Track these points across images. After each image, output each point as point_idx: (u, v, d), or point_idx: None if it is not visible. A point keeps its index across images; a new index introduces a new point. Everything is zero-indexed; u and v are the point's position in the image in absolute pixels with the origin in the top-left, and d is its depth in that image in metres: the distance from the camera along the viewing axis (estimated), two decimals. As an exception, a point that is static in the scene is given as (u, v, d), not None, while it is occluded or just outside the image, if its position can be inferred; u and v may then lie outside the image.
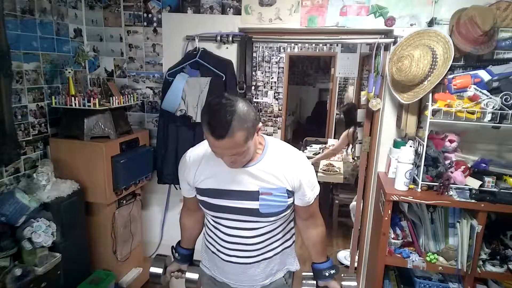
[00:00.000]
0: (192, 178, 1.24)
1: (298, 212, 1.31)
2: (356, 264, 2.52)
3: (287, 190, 1.19)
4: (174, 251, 1.48)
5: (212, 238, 1.33)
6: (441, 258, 1.81)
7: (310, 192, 1.24)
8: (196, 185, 1.25)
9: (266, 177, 1.17)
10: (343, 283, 1.35)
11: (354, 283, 1.36)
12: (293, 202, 1.24)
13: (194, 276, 1.42)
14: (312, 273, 1.39)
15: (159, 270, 1.43)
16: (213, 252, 1.34)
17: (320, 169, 3.61)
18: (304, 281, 1.38)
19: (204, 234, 1.41)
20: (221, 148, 1.04)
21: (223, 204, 1.21)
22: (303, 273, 1.42)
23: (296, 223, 1.38)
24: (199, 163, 1.23)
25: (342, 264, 3.12)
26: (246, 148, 1.07)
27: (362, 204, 2.42)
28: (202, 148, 1.24)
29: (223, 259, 1.30)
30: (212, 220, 1.30)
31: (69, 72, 2.08)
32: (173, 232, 2.59)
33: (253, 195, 1.18)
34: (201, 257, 1.44)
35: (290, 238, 1.37)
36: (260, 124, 1.12)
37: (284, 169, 1.18)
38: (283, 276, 1.38)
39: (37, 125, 2.06)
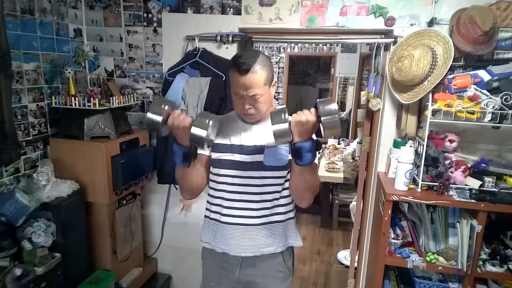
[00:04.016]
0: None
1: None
2: (356, 264, 2.52)
3: (290, 144, 1.22)
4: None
5: (216, 204, 1.36)
6: (441, 258, 1.81)
7: None
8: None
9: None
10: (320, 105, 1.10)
11: (334, 105, 1.10)
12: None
13: (201, 132, 1.16)
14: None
15: (158, 117, 1.17)
16: (215, 219, 1.36)
17: (323, 167, 3.62)
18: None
19: (206, 206, 1.43)
20: (244, 85, 1.19)
21: (232, 159, 1.31)
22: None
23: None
24: (219, 123, 1.32)
25: (342, 264, 3.13)
26: (263, 93, 1.21)
27: (362, 204, 2.42)
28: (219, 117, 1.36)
29: (227, 222, 1.33)
30: (218, 181, 1.34)
31: (69, 72, 2.08)
32: (173, 232, 2.60)
33: (259, 149, 1.30)
34: (201, 235, 1.45)
35: (292, 210, 1.41)
36: (275, 80, 1.30)
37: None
38: (281, 253, 1.38)
39: (37, 125, 2.06)
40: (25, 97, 1.97)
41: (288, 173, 1.33)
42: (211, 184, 1.40)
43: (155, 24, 2.32)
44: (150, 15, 2.31)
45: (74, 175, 2.05)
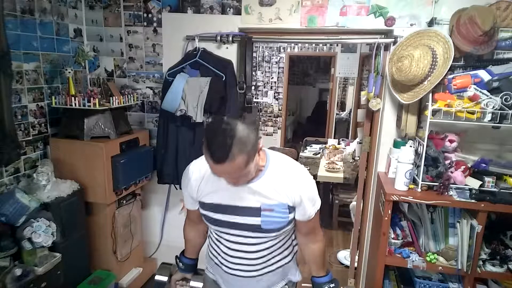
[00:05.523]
0: (196, 192, 1.25)
1: (299, 227, 1.31)
2: (356, 264, 2.52)
3: (288, 205, 1.20)
4: (178, 260, 1.47)
5: (216, 251, 1.35)
6: (441, 258, 1.81)
7: (311, 207, 1.23)
8: (199, 199, 1.26)
9: (267, 193, 1.18)
10: None
11: None
12: (294, 218, 1.24)
13: (198, 285, 1.43)
14: (311, 286, 1.38)
15: (164, 278, 1.44)
16: (216, 263, 1.36)
17: (323, 167, 3.62)
18: None
19: (208, 244, 1.43)
20: (222, 171, 1.05)
21: (226, 220, 1.22)
22: (303, 285, 1.42)
23: (297, 238, 1.38)
24: (202, 177, 1.23)
25: (342, 264, 3.12)
26: (247, 171, 1.06)
27: (362, 204, 2.42)
28: (205, 162, 1.12)
29: (226, 272, 1.32)
30: (215, 233, 1.31)
31: (69, 72, 2.08)
32: (173, 232, 2.59)
33: (255, 212, 1.19)
34: (206, 262, 1.45)
35: (291, 252, 1.38)
36: (261, 144, 1.11)
37: (285, 185, 1.18)
38: (285, 284, 1.38)
39: (37, 125, 2.06)
40: (25, 97, 1.97)
41: (286, 229, 1.25)
42: (210, 229, 1.36)
43: (155, 24, 2.32)
44: (150, 15, 2.31)
45: (74, 175, 2.05)
